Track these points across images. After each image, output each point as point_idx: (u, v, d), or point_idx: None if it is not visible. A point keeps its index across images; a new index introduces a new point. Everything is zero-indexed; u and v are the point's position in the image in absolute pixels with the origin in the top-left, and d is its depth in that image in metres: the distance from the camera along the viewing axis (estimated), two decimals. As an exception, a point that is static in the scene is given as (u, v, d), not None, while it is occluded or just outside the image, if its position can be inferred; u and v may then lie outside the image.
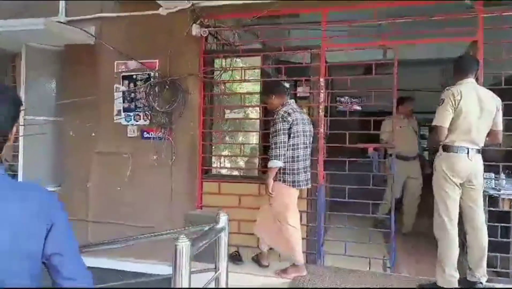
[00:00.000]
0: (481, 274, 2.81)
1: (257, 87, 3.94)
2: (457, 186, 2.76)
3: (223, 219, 1.89)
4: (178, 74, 3.68)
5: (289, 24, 3.60)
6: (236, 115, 3.96)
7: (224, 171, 4.16)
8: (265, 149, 3.91)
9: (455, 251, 2.74)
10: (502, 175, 3.30)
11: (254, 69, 3.86)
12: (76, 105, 3.92)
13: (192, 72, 3.71)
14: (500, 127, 2.81)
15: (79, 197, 3.96)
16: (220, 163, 3.93)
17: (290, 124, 2.98)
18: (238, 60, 3.85)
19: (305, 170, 3.16)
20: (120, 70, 3.90)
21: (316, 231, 3.55)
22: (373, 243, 3.64)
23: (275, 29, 3.61)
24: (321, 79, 3.50)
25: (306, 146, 3.16)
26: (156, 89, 3.71)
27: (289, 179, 3.07)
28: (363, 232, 4.09)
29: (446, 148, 2.80)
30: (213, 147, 4.12)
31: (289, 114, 3.00)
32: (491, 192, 3.18)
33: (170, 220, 3.69)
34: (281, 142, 2.98)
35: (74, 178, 4.03)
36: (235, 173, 4.10)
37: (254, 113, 4.21)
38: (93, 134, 3.98)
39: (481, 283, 2.83)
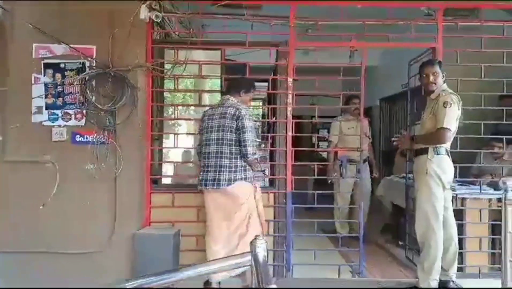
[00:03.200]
0: (453, 272, 2.92)
1: (217, 84, 3.50)
2: (444, 188, 2.80)
3: (262, 248, 1.46)
4: (122, 65, 3.03)
5: (252, 16, 3.27)
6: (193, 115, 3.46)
7: (177, 180, 3.60)
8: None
9: (441, 254, 2.77)
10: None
11: (213, 64, 3.41)
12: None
13: (140, 63, 3.10)
14: None
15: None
16: (173, 171, 3.36)
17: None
18: (195, 53, 3.37)
19: (209, 169, 2.79)
20: (41, 56, 3.04)
21: (284, 241, 3.30)
22: (342, 249, 3.57)
23: (236, 20, 3.24)
24: (289, 79, 3.27)
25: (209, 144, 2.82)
26: (94, 82, 3.00)
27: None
28: (331, 239, 4.01)
29: (438, 151, 2.77)
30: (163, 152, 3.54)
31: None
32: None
33: (115, 243, 3.01)
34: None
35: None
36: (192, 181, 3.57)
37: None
38: (0, 138, 3.03)
39: (453, 281, 2.94)
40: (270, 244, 3.28)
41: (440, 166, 2.77)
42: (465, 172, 3.68)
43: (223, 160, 2.72)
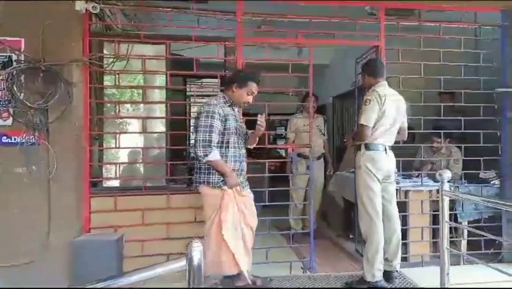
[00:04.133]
0: (397, 263, 3.02)
1: (162, 81, 3.33)
2: (379, 182, 2.89)
3: (198, 251, 1.39)
4: (56, 59, 2.79)
5: (199, 11, 3.16)
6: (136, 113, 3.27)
7: (121, 182, 3.39)
8: (176, 153, 3.38)
9: (382, 245, 2.86)
10: (396, 169, 3.67)
11: (157, 59, 3.25)
12: None
13: (76, 58, 2.88)
14: (406, 125, 3.07)
15: None
16: (116, 173, 3.16)
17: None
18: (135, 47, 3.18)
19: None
20: (-45, 47, 2.73)
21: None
22: (294, 246, 3.58)
23: (181, 14, 3.12)
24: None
25: None
26: (22, 78, 2.73)
27: None
28: (285, 236, 3.99)
29: (369, 147, 2.90)
30: (104, 153, 3.32)
31: None
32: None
33: (50, 253, 2.78)
34: None
35: None
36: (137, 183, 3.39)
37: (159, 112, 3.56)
38: None
39: (396, 271, 3.04)
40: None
41: (372, 160, 2.87)
42: (410, 166, 3.85)
43: (195, 160, 2.70)
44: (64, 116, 2.84)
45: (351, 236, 4.14)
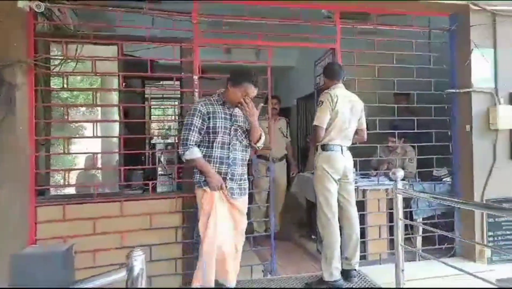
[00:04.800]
0: (356, 261, 3.06)
1: (115, 83, 3.20)
2: (336, 182, 2.93)
3: (139, 261, 1.33)
4: (-3, 59, 2.62)
5: (153, 11, 3.07)
6: (86, 117, 3.12)
7: (70, 190, 3.23)
8: (130, 159, 3.25)
9: (339, 244, 2.89)
10: (354, 169, 3.73)
11: (107, 60, 3.11)
12: None
13: (19, 58, 2.70)
14: (365, 126, 3.14)
15: None
16: (65, 180, 2.99)
17: None
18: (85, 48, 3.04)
19: None
20: None
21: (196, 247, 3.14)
22: (255, 249, 3.54)
23: (134, 14, 3.01)
24: (195, 77, 3.14)
25: None
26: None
27: None
28: (248, 239, 3.94)
29: (325, 147, 2.94)
30: (50, 159, 3.14)
31: None
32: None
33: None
34: None
35: None
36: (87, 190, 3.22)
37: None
38: None
39: (355, 270, 3.08)
40: (179, 251, 3.12)
41: (328, 161, 2.92)
42: (368, 165, 3.94)
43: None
44: (6, 120, 2.65)
45: (313, 237, 4.17)
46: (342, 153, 2.95)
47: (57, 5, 2.89)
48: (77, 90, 3.27)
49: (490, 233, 3.55)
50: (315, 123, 2.90)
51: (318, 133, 2.89)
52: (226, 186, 2.47)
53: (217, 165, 2.49)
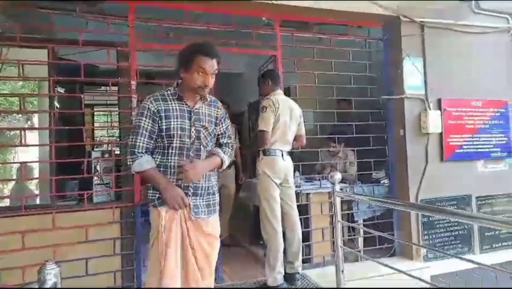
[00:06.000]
0: (298, 264, 3.11)
1: (45, 87, 3.00)
2: (278, 186, 2.96)
3: (52, 274, 1.24)
4: None
5: (87, 13, 2.95)
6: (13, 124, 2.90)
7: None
8: (63, 167, 3.06)
9: (282, 248, 2.91)
10: (297, 173, 3.80)
11: (39, 64, 2.93)
12: None
13: None
14: (303, 131, 3.21)
15: None
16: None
17: None
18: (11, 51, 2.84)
19: None
20: None
21: (133, 259, 3.02)
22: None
23: (66, 16, 2.87)
24: (133, 82, 3.05)
25: None
26: None
27: None
28: None
29: (266, 152, 2.99)
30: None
31: None
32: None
33: None
34: None
35: None
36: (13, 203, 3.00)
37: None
38: None
39: (298, 273, 3.12)
40: (118, 263, 2.99)
41: (269, 165, 2.97)
42: (311, 169, 4.03)
43: None
44: None
45: (261, 242, 4.17)
46: (282, 157, 3.00)
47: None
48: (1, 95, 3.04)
49: (425, 232, 3.76)
50: (262, 128, 2.93)
51: (266, 137, 2.92)
52: (189, 203, 1.93)
53: (175, 176, 1.94)
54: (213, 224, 2.04)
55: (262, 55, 3.76)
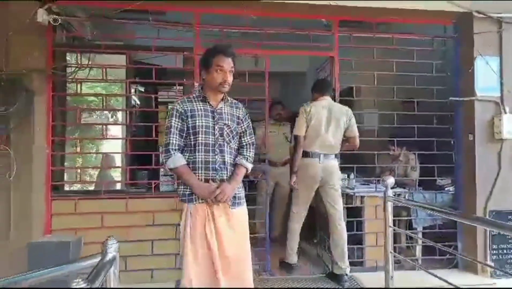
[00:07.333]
0: (346, 266, 3.12)
1: (121, 89, 3.47)
2: (310, 187, 3.15)
3: (113, 248, 1.51)
4: (18, 68, 2.94)
5: (158, 22, 3.30)
6: (96, 120, 3.40)
7: (81, 186, 3.52)
8: (137, 158, 3.49)
9: (298, 237, 3.32)
10: (352, 176, 3.77)
11: (118, 68, 3.38)
12: None
13: (38, 67, 3.03)
14: (355, 133, 3.20)
15: None
16: (76, 177, 3.28)
17: None
18: (97, 57, 3.33)
19: None
20: None
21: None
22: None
23: (141, 25, 3.26)
24: (196, 84, 3.33)
25: None
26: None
27: None
28: None
29: (303, 154, 3.19)
30: (65, 158, 3.46)
31: None
32: (347, 191, 3.60)
33: (11, 255, 2.89)
34: None
35: None
36: (96, 188, 3.52)
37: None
38: None
39: (346, 274, 3.13)
40: (177, 247, 3.30)
41: (303, 167, 3.18)
42: (371, 172, 3.94)
43: None
44: (26, 122, 2.98)
45: (314, 241, 4.22)
46: (319, 159, 3.06)
47: (70, 18, 3.18)
48: (88, 95, 3.55)
49: (494, 246, 3.45)
50: (293, 132, 3.23)
51: (297, 140, 3.18)
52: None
53: (203, 171, 2.10)
54: (239, 216, 2.17)
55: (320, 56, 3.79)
